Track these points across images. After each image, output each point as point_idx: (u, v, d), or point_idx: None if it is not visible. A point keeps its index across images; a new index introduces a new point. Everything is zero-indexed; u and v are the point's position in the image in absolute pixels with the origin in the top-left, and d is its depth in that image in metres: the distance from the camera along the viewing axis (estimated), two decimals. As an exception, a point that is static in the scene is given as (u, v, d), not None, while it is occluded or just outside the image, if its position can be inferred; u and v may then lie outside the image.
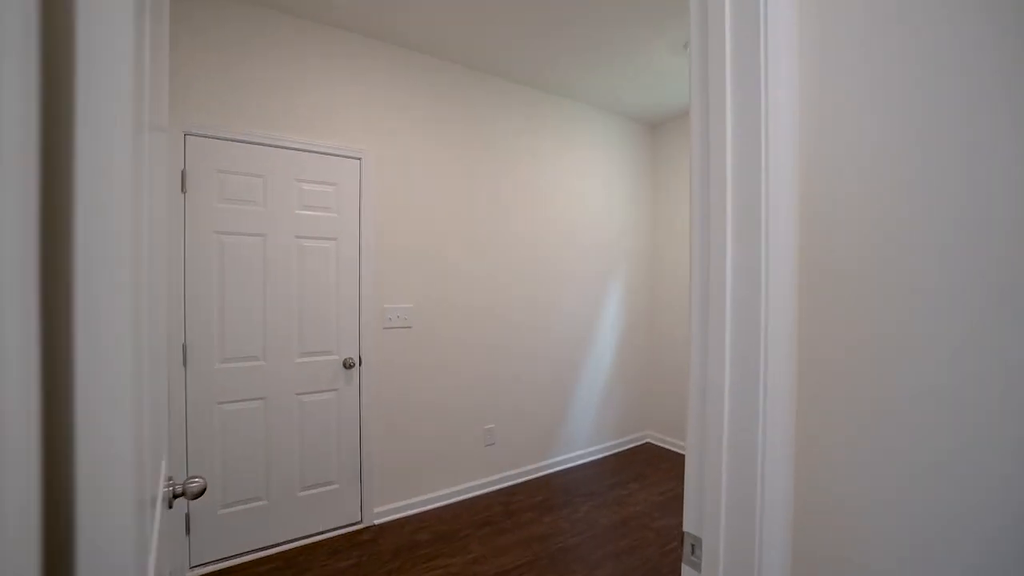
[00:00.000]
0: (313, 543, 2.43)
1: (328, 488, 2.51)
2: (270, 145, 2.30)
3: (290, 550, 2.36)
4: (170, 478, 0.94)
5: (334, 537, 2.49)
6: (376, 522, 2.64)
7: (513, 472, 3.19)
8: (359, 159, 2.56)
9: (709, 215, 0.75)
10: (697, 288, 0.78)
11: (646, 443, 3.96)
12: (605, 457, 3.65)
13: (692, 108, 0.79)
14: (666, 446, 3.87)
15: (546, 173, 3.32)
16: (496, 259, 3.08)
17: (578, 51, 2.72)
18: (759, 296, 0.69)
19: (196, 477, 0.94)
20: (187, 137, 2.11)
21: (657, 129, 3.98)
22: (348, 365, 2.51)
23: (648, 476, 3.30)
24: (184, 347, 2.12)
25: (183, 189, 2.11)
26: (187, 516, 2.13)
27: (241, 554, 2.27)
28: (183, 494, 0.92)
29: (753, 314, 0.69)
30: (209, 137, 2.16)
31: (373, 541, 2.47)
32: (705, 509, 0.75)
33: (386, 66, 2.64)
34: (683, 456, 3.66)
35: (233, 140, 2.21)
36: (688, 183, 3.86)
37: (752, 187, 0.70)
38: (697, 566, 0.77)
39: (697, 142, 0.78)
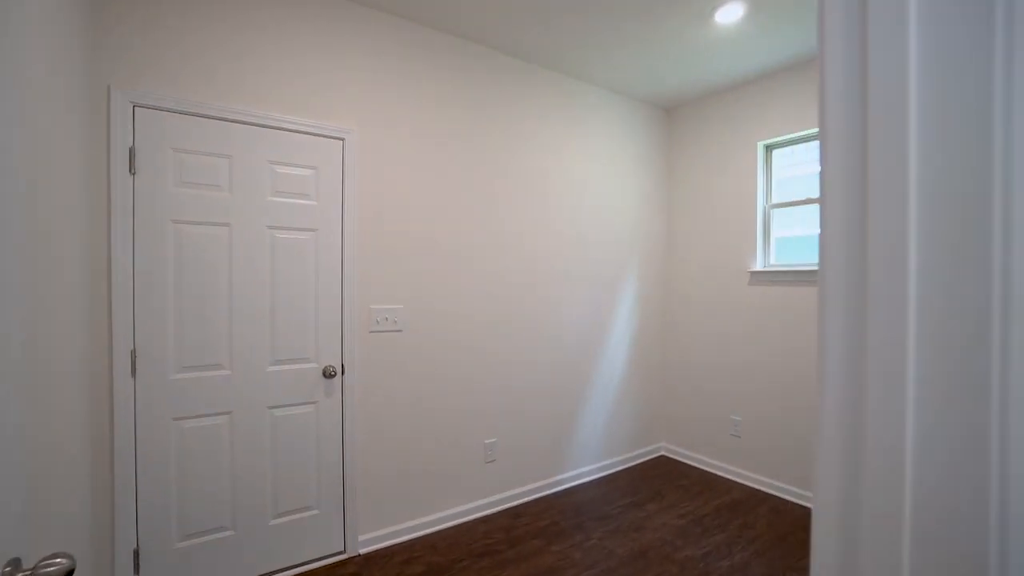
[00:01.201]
0: (288, 578, 2.12)
1: (306, 514, 2.20)
2: (238, 121, 2.00)
3: (261, 587, 2.06)
4: (11, 562, 0.64)
5: (313, 570, 2.18)
6: (361, 551, 2.33)
7: (517, 491, 2.87)
8: (342, 139, 2.25)
9: (867, 186, 0.44)
10: (837, 278, 0.46)
11: (660, 456, 3.65)
12: (617, 472, 3.33)
13: (825, 34, 0.49)
14: (682, 459, 3.55)
15: (553, 161, 3.01)
16: (497, 255, 2.77)
17: (590, 23, 2.41)
18: (988, 295, 0.37)
19: (58, 557, 0.64)
20: (136, 109, 1.80)
21: (673, 113, 3.67)
22: (329, 374, 2.21)
23: (666, 495, 2.98)
24: (132, 354, 1.82)
25: (131, 170, 1.80)
26: (136, 552, 1.83)
27: (203, 593, 1.96)
28: (33, 585, 0.62)
29: (974, 316, 0.38)
30: (163, 110, 1.85)
31: (357, 575, 2.15)
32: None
33: (376, 36, 2.33)
34: (702, 471, 3.34)
35: (193, 114, 1.91)
36: (709, 172, 3.57)
37: (971, 139, 0.39)
38: None
39: (835, 80, 0.47)
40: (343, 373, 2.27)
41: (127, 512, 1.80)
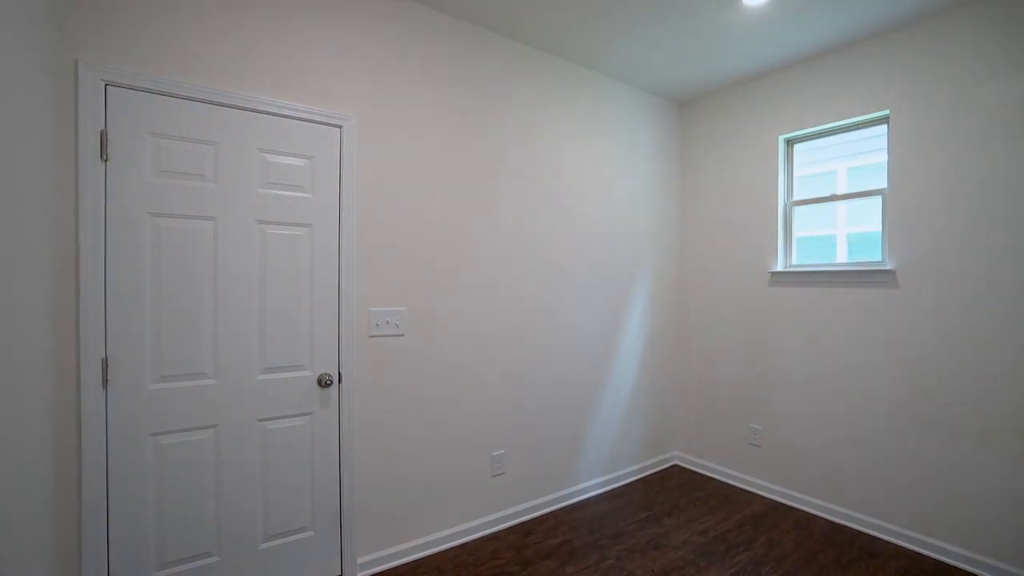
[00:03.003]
0: (279, 608, 1.92)
1: (299, 536, 2.00)
2: (224, 104, 1.80)
3: (249, 619, 1.86)
4: None
5: (306, 598, 1.99)
6: (360, 575, 2.14)
7: (526, 506, 2.69)
8: (340, 127, 2.07)
9: None
10: None
11: (674, 465, 3.47)
12: (630, 484, 3.16)
13: None
14: (696, 469, 3.38)
15: (564, 157, 2.83)
16: (506, 255, 2.59)
17: (606, 5, 2.24)
18: None
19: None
20: (108, 88, 1.61)
21: (686, 107, 3.50)
22: (324, 383, 2.02)
23: (683, 509, 2.81)
24: (104, 362, 1.62)
25: (103, 156, 1.61)
26: (107, 585, 1.63)
27: (184, 627, 1.77)
28: None
29: None
30: (140, 90, 1.66)
31: (355, 603, 1.96)
32: None
33: (378, 15, 2.15)
34: (719, 482, 3.17)
35: (174, 95, 1.71)
36: (725, 169, 3.37)
37: None
38: None
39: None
40: (340, 381, 2.08)
41: (96, 540, 1.60)
